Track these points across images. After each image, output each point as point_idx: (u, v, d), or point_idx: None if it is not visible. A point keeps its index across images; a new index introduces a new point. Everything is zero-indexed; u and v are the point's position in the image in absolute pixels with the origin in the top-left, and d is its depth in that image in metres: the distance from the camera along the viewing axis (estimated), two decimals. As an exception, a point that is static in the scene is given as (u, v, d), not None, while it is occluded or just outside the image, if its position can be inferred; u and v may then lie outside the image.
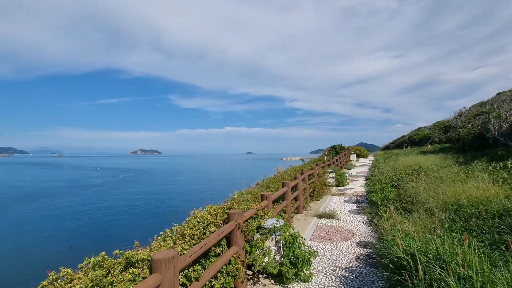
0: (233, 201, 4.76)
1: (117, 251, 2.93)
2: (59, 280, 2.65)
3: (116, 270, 2.65)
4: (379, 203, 7.39)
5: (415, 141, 27.49)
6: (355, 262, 4.57)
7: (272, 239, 4.35)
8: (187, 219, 4.43)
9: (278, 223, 4.35)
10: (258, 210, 4.64)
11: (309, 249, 4.23)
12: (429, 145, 23.35)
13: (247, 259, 4.00)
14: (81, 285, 2.29)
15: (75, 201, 32.51)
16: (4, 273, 13.37)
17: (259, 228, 4.27)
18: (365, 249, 5.11)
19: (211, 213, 4.45)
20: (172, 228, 4.08)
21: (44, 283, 2.54)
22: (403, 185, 8.55)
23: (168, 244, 3.05)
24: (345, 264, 4.53)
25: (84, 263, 2.82)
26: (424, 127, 33.25)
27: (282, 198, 6.97)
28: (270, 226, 4.28)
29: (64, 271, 2.91)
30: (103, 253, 2.81)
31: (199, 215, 4.28)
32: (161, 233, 3.99)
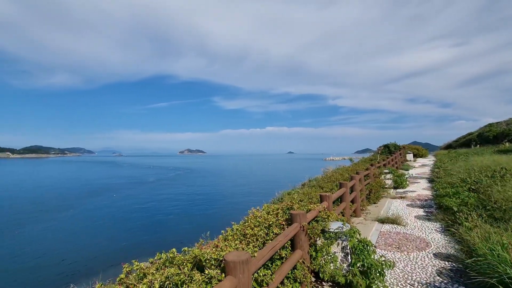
0: (293, 201, 4.48)
1: (186, 248, 2.89)
2: (134, 274, 2.71)
3: (186, 268, 2.60)
4: (455, 209, 6.39)
5: (487, 138, 23.85)
6: (438, 277, 3.92)
7: (338, 245, 3.97)
8: (245, 218, 4.32)
9: (345, 227, 3.95)
10: (320, 211, 4.30)
11: (382, 258, 3.74)
12: (507, 143, 19.98)
13: (312, 264, 3.70)
14: (157, 282, 2.26)
15: (134, 196, 35.81)
16: (71, 264, 15.21)
17: (323, 231, 3.93)
18: (446, 262, 4.39)
19: (270, 213, 4.25)
20: (233, 227, 3.99)
21: (122, 276, 2.61)
22: (485, 189, 7.30)
23: (236, 244, 2.92)
24: (425, 279, 3.92)
25: (155, 257, 2.85)
26: (497, 122, 28.67)
27: (339, 199, 6.48)
28: (336, 230, 3.91)
29: (137, 265, 3.00)
30: (174, 249, 2.80)
31: (259, 214, 4.12)
32: (223, 231, 3.92)
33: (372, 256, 3.86)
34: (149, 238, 18.46)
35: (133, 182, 50.99)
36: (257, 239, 3.36)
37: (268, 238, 3.44)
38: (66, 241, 18.26)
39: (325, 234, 3.93)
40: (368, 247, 3.88)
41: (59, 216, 24.56)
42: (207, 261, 2.69)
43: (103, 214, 25.58)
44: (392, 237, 5.85)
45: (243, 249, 3.02)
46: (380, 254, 4.19)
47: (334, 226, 4.03)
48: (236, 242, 3.02)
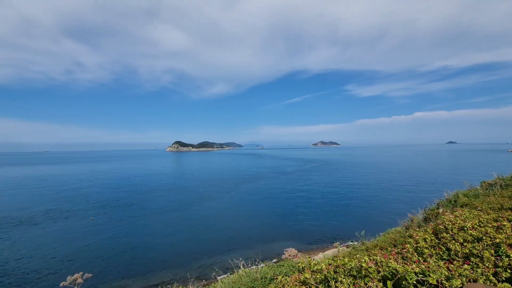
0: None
1: (378, 258, 2.31)
2: (316, 274, 2.44)
3: (380, 287, 2.02)
4: None
5: None
6: None
7: None
8: (430, 224, 3.22)
9: None
10: None
11: None
12: None
13: None
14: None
15: (277, 184, 39.37)
16: (230, 235, 18.15)
17: None
18: None
19: (483, 223, 2.94)
20: (424, 236, 3.03)
21: (307, 275, 2.36)
22: None
23: (461, 269, 2.03)
24: None
25: (339, 262, 2.46)
26: None
27: None
28: None
29: (314, 263, 2.73)
30: (366, 258, 2.29)
31: (467, 225, 2.91)
32: (410, 240, 3.05)
33: None
34: (292, 225, 19.49)
35: (275, 172, 56.40)
36: (483, 263, 2.28)
37: (501, 264, 2.28)
38: (227, 216, 22.40)
39: None
40: None
41: (224, 196, 30.67)
42: (416, 283, 1.98)
43: (253, 198, 29.59)
44: None
45: (465, 276, 2.08)
46: None
47: None
48: (464, 266, 2.11)
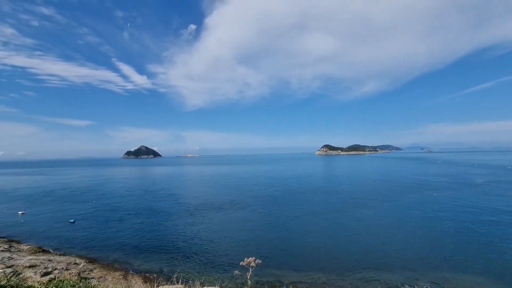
0: None
1: None
2: None
3: None
4: None
5: None
6: None
7: None
8: None
9: None
10: None
11: None
12: None
13: None
14: None
15: (458, 198, 29.89)
16: (380, 250, 15.00)
17: None
18: None
19: None
20: None
21: None
22: None
23: None
24: None
25: None
26: None
27: None
28: None
29: None
30: None
31: None
32: None
33: None
34: (489, 257, 13.78)
35: (453, 182, 43.49)
36: None
37: None
38: (388, 228, 19.08)
39: None
40: None
41: (382, 205, 26.83)
42: None
43: (422, 211, 23.95)
44: None
45: None
46: None
47: None
48: None
